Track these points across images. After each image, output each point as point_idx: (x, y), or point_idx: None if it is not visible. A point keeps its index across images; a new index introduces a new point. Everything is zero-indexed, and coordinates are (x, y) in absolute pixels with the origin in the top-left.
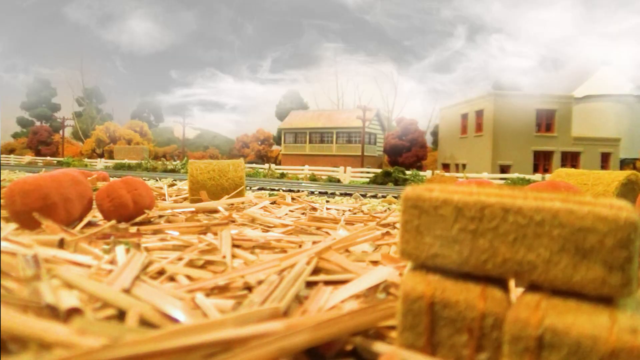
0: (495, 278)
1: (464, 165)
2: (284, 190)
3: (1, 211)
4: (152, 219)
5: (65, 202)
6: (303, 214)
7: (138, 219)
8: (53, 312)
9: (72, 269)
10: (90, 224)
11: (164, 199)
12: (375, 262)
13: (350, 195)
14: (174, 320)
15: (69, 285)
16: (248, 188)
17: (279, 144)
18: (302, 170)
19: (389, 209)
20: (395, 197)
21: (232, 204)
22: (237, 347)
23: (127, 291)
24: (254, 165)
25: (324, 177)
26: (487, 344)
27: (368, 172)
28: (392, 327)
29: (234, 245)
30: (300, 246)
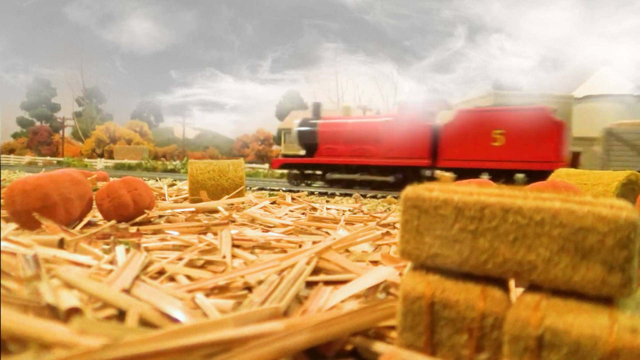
0: (495, 278)
1: None
2: (284, 190)
3: (1, 211)
4: (152, 219)
5: (65, 202)
6: (303, 214)
7: (138, 219)
8: (53, 312)
9: (72, 269)
10: (90, 224)
11: (164, 199)
12: (375, 262)
13: (350, 195)
14: (174, 320)
15: (69, 285)
16: (248, 188)
17: (279, 144)
18: None
19: (389, 209)
20: (395, 197)
21: (232, 204)
22: (237, 347)
23: (127, 291)
24: (254, 165)
25: None
26: (487, 344)
27: None
28: (392, 327)
29: (234, 245)
30: (300, 246)
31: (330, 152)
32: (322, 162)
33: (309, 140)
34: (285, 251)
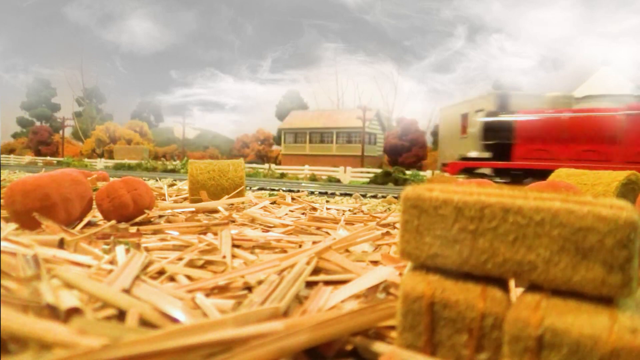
0: (495, 278)
1: None
2: (284, 190)
3: (1, 211)
4: (152, 219)
5: (65, 202)
6: (303, 214)
7: (138, 219)
8: (53, 312)
9: (72, 269)
10: (90, 224)
11: (164, 199)
12: (375, 262)
13: (350, 195)
14: (174, 320)
15: (69, 285)
16: (248, 188)
17: (279, 144)
18: (302, 170)
19: (389, 209)
20: (395, 197)
21: (232, 204)
22: (237, 347)
23: (127, 291)
24: (254, 165)
25: (324, 177)
26: (487, 344)
27: (368, 172)
28: (392, 327)
29: (234, 245)
30: (300, 246)
31: (537, 155)
32: (531, 167)
33: (500, 139)
34: (285, 251)
